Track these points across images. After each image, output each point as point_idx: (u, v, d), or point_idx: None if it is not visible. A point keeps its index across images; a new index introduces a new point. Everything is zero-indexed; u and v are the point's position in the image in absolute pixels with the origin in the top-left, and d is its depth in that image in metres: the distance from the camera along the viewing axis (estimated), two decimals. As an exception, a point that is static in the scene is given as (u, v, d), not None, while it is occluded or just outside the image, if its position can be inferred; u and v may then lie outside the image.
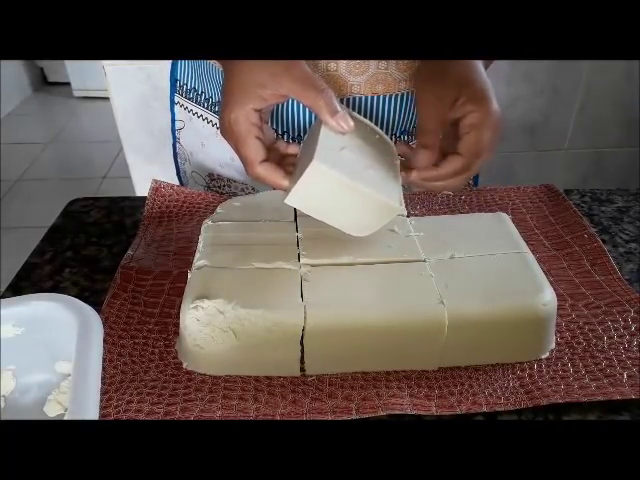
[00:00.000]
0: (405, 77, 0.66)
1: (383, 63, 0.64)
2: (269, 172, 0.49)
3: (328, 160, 0.46)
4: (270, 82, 0.48)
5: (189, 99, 0.75)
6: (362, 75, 0.65)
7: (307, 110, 0.66)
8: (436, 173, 0.51)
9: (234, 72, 0.50)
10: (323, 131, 0.48)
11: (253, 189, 0.75)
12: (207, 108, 0.73)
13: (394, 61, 0.65)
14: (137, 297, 0.55)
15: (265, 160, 0.49)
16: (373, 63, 0.64)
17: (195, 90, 0.74)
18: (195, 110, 0.74)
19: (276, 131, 0.68)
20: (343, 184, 0.47)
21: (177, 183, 0.81)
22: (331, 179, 0.47)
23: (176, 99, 0.77)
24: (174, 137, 0.80)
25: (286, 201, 0.48)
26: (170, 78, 0.77)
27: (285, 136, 0.68)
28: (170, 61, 0.78)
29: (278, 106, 0.66)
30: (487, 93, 0.51)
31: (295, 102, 0.66)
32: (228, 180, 0.76)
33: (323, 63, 0.63)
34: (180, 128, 0.78)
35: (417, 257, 0.52)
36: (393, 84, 0.66)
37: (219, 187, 0.77)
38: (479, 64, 0.53)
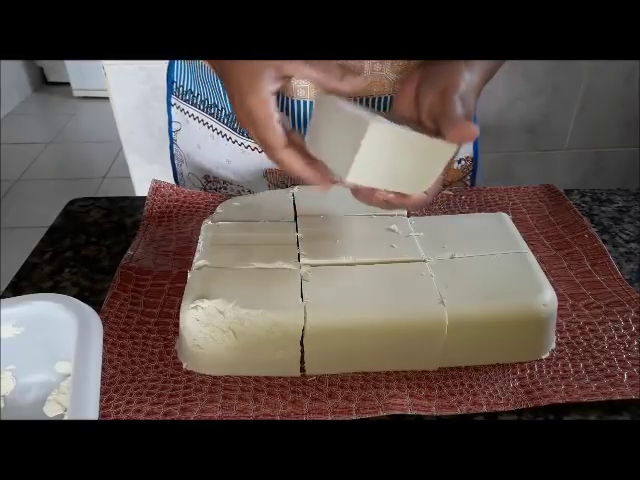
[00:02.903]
0: (400, 78, 0.66)
1: (378, 65, 0.64)
2: (292, 158, 0.47)
3: (379, 119, 0.43)
4: (286, 65, 0.46)
5: (185, 101, 0.75)
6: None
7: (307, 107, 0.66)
8: (401, 202, 0.48)
9: (232, 68, 0.49)
10: (345, 103, 0.46)
11: (249, 191, 0.75)
12: (203, 110, 0.73)
13: (389, 62, 0.65)
14: (137, 297, 0.55)
15: (289, 146, 0.47)
16: (367, 65, 0.64)
17: (191, 92, 0.74)
18: (191, 112, 0.74)
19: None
20: (401, 137, 0.44)
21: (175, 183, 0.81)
22: (390, 136, 0.44)
23: (173, 101, 0.77)
24: (171, 139, 0.80)
25: (348, 179, 0.44)
26: (167, 79, 0.77)
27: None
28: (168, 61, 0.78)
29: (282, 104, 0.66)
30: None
31: (296, 102, 0.66)
32: (224, 182, 0.76)
33: None
34: (177, 130, 0.78)
35: (417, 257, 0.52)
36: (388, 86, 0.66)
37: (216, 189, 0.77)
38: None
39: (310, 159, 0.48)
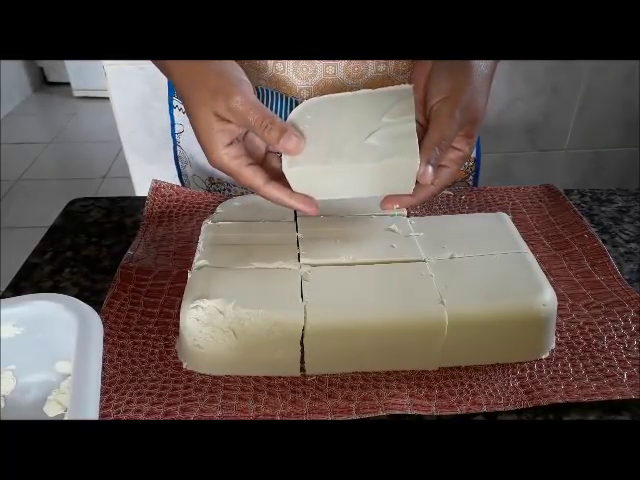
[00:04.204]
0: (404, 79, 0.66)
1: (382, 65, 0.64)
2: (276, 192, 0.49)
3: (296, 158, 0.47)
4: (217, 116, 0.47)
5: None
6: (360, 78, 0.64)
7: (287, 104, 0.66)
8: (414, 201, 0.51)
9: (191, 118, 0.49)
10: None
11: (253, 193, 0.74)
12: None
13: (393, 63, 0.65)
14: (137, 297, 0.55)
15: (269, 182, 0.49)
16: (371, 66, 0.64)
17: None
18: None
19: None
20: (327, 171, 0.47)
21: (177, 184, 0.81)
22: (312, 173, 0.47)
23: (174, 103, 0.77)
24: (174, 140, 0.80)
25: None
26: (168, 81, 0.77)
27: None
28: None
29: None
30: (477, 135, 0.51)
31: (275, 100, 0.66)
32: (228, 184, 0.76)
33: (321, 66, 0.63)
34: (180, 132, 0.78)
35: (417, 257, 0.52)
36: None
37: (220, 191, 0.77)
38: (487, 94, 0.52)
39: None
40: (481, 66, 0.51)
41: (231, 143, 0.48)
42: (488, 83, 0.52)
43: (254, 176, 0.48)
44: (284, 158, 0.48)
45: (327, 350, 0.47)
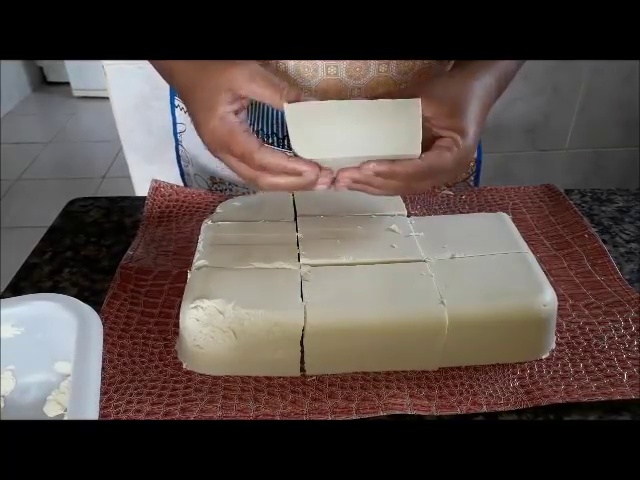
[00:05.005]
0: (406, 79, 0.66)
1: (383, 65, 0.64)
2: (271, 157, 0.46)
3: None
4: (228, 85, 0.47)
5: None
6: (362, 78, 0.64)
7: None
8: (421, 163, 0.47)
9: (193, 91, 0.50)
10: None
11: (255, 192, 0.74)
12: None
13: (395, 63, 0.65)
14: (137, 297, 0.55)
15: (263, 145, 0.47)
16: (373, 66, 0.64)
17: None
18: None
19: (264, 133, 0.68)
20: (328, 108, 0.47)
21: (178, 184, 0.80)
22: (312, 107, 0.47)
23: (176, 102, 0.77)
24: (176, 140, 0.80)
25: (301, 154, 0.46)
26: None
27: (274, 137, 0.68)
28: None
29: (264, 107, 0.66)
30: (474, 131, 0.50)
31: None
32: (230, 184, 0.76)
33: (323, 66, 0.63)
34: (182, 131, 0.78)
35: (417, 257, 0.52)
36: (394, 87, 0.66)
37: (221, 190, 0.77)
38: (480, 96, 0.53)
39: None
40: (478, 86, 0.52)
41: (230, 111, 0.48)
42: (487, 98, 0.52)
43: (248, 140, 0.47)
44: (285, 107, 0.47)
45: (327, 350, 0.47)
